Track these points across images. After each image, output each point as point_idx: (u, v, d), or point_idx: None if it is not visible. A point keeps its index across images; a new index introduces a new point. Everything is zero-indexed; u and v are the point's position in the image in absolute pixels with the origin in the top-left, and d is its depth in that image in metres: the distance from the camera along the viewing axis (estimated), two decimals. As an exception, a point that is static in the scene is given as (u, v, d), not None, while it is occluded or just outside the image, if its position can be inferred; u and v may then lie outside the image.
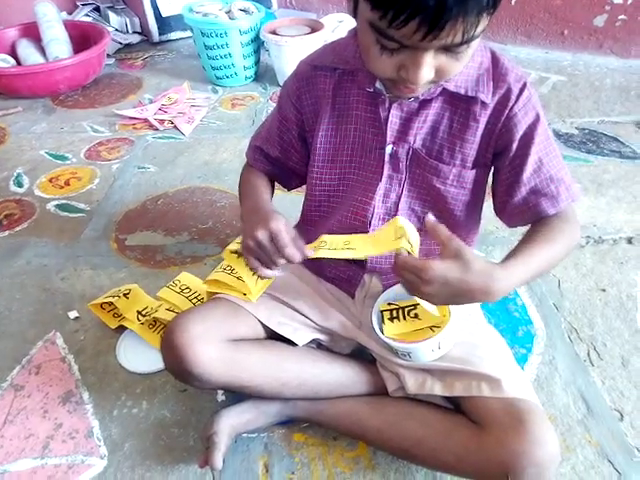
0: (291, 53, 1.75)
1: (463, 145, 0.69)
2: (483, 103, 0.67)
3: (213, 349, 0.68)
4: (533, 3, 2.01)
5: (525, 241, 0.68)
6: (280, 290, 0.80)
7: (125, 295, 0.97)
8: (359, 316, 0.80)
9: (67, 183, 1.41)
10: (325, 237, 0.69)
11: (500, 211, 0.76)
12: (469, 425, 0.66)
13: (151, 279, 1.08)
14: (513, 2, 2.04)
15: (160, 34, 2.27)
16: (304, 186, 0.83)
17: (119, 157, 1.52)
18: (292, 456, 0.77)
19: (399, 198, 0.74)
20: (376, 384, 0.77)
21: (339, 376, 0.77)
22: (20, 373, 0.90)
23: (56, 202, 1.34)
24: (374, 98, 0.69)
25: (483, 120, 0.68)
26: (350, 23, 1.96)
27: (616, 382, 0.86)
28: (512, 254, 0.65)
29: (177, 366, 0.67)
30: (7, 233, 1.23)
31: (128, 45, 2.29)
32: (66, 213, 1.30)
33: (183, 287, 0.93)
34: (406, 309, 0.72)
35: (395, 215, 0.74)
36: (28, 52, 1.93)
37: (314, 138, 0.76)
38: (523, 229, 0.73)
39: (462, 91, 0.66)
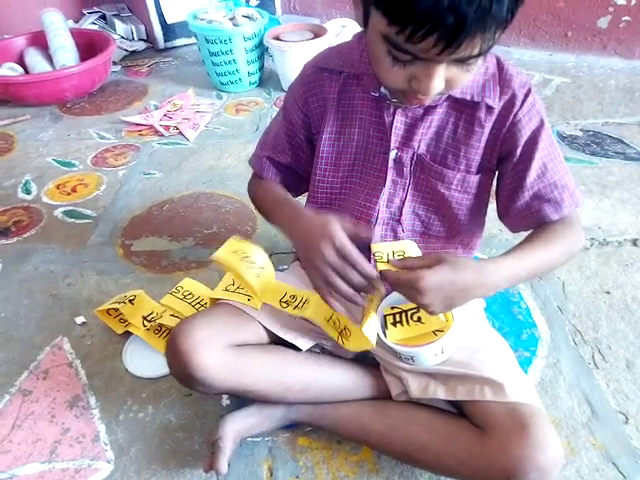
0: (295, 58, 1.76)
1: (468, 150, 0.70)
2: (489, 109, 0.67)
3: (217, 354, 0.68)
4: (536, 5, 2.01)
5: (522, 242, 0.69)
6: (283, 295, 0.80)
7: (130, 301, 0.98)
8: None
9: (74, 190, 1.43)
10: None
11: (503, 215, 0.76)
12: (472, 429, 0.66)
13: (157, 284, 1.09)
14: (516, 4, 2.04)
15: (165, 41, 2.29)
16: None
17: (125, 163, 1.53)
18: (296, 460, 0.77)
19: (403, 203, 0.74)
20: (379, 388, 0.78)
21: (342, 380, 0.77)
22: (28, 378, 0.91)
23: (63, 208, 1.35)
24: (379, 102, 0.70)
25: (488, 125, 0.68)
26: (354, 28, 1.97)
27: (621, 385, 0.86)
28: (507, 252, 0.66)
29: (181, 371, 0.68)
30: (15, 239, 1.25)
31: (134, 52, 2.31)
32: (73, 219, 1.31)
33: (186, 293, 0.93)
34: (409, 312, 0.72)
35: (399, 219, 0.75)
36: (35, 60, 1.95)
37: (318, 140, 0.76)
38: (527, 233, 0.73)
39: (468, 97, 0.67)
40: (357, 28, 0.60)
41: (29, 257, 1.19)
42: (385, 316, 0.73)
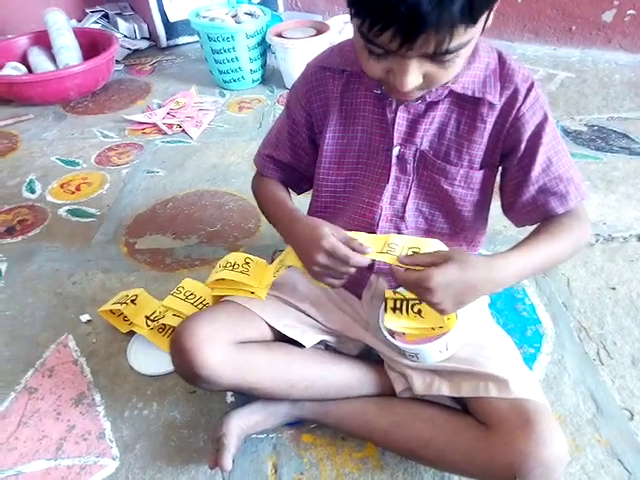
0: (297, 55, 1.75)
1: (470, 146, 0.70)
2: (490, 104, 0.67)
3: (221, 351, 0.68)
4: (540, 0, 2.00)
5: (529, 236, 0.69)
6: (287, 292, 0.80)
7: (132, 301, 0.98)
8: (366, 317, 0.80)
9: (78, 188, 1.43)
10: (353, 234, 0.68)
11: (508, 210, 0.76)
12: (476, 426, 0.66)
13: (161, 282, 1.09)
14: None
15: (168, 39, 2.30)
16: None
17: (129, 162, 1.54)
18: (301, 457, 0.78)
19: (406, 200, 0.74)
20: (384, 385, 0.78)
21: (347, 377, 0.77)
22: (33, 376, 0.92)
23: (67, 207, 1.36)
24: (381, 100, 0.70)
25: (490, 121, 0.68)
26: (356, 24, 1.96)
27: (626, 381, 0.85)
28: (514, 247, 0.66)
29: (186, 369, 0.68)
30: (20, 238, 1.26)
31: (136, 51, 2.31)
32: (77, 218, 1.32)
33: (188, 293, 0.93)
34: (410, 302, 0.71)
35: (403, 216, 0.74)
36: (39, 60, 1.96)
37: (322, 139, 0.76)
38: (532, 228, 0.73)
39: (469, 92, 0.66)
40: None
41: (34, 256, 1.20)
42: (386, 299, 0.72)
